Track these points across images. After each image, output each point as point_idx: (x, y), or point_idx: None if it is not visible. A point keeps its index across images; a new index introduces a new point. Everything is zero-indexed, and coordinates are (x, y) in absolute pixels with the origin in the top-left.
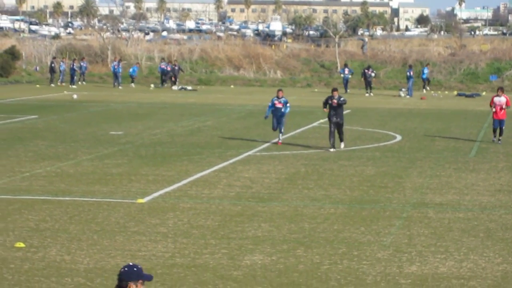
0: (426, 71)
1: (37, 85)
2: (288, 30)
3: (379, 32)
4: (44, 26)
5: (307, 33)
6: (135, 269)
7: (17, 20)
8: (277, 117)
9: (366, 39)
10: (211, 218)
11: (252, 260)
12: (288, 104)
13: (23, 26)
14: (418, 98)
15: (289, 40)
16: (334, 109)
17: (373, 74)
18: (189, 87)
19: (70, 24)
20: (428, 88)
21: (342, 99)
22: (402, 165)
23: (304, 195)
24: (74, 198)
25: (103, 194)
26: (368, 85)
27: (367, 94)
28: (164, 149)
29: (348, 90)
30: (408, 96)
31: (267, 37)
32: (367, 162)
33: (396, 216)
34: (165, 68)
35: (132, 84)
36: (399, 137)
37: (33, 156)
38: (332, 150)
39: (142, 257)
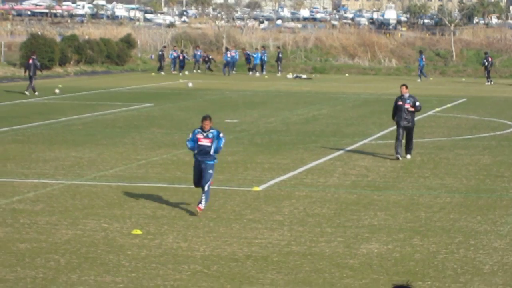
0: None
1: (152, 73)
2: (403, 18)
3: (494, 20)
4: (159, 14)
5: (421, 22)
6: None
7: (133, 9)
8: (200, 161)
9: None
10: (327, 207)
11: (368, 249)
12: (221, 135)
13: (138, 14)
14: None
15: (404, 29)
16: (406, 110)
17: (485, 62)
18: (304, 76)
19: (185, 13)
20: None
21: (417, 104)
22: None
23: (420, 184)
24: (190, 186)
25: (219, 182)
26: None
27: (487, 83)
28: (280, 137)
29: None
30: None
31: (381, 26)
32: (483, 151)
33: None
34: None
35: (258, 73)
36: None
37: (149, 144)
38: (398, 157)
39: (258, 244)
